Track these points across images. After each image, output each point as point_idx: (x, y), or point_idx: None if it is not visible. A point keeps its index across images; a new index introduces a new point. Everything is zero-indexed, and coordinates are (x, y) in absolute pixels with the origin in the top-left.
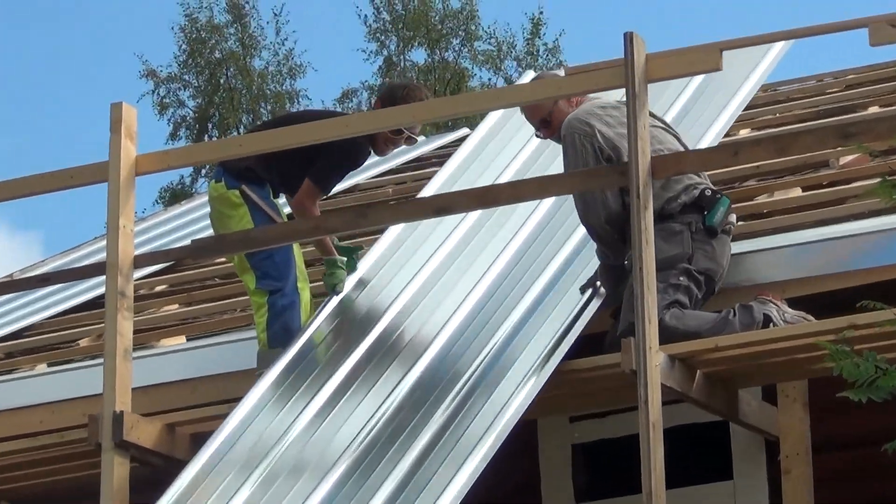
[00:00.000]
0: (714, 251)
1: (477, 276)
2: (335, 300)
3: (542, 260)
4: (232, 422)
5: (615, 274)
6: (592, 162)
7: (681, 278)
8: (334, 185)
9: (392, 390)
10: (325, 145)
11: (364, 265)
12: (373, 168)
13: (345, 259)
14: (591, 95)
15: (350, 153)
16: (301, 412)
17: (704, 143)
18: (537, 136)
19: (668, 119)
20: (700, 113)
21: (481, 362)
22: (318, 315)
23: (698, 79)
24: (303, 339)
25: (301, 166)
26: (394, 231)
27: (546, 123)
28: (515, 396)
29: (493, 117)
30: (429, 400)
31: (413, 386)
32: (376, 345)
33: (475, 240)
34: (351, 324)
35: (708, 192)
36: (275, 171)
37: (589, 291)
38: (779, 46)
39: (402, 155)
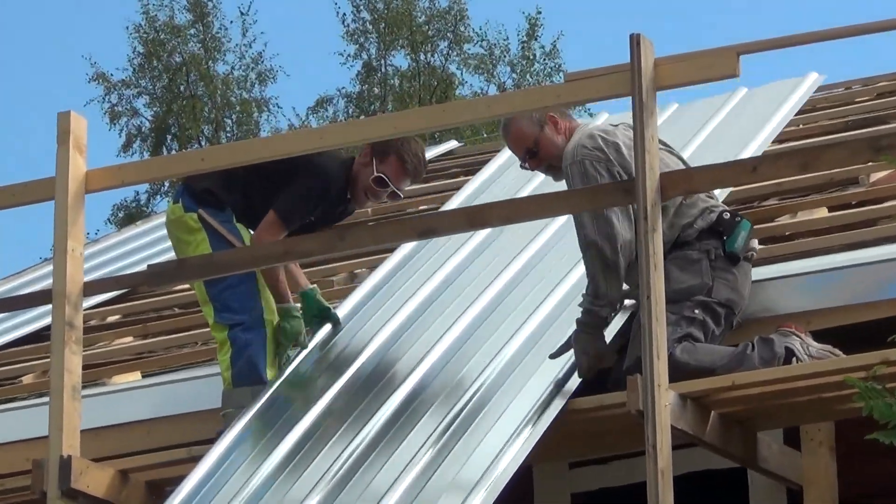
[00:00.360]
0: (736, 280)
1: (465, 306)
2: (303, 352)
3: (542, 288)
4: (195, 475)
5: (592, 341)
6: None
7: (696, 311)
8: (299, 222)
9: (360, 430)
10: (297, 174)
11: (348, 304)
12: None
13: (297, 308)
14: (579, 122)
15: (323, 188)
16: (265, 463)
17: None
18: (523, 167)
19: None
20: (721, 146)
21: (466, 403)
22: (293, 360)
23: (718, 117)
24: (276, 385)
25: (266, 194)
26: (386, 266)
27: (532, 153)
28: (510, 445)
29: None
30: (401, 443)
31: (385, 426)
32: (350, 385)
33: (470, 268)
34: (325, 365)
35: (727, 216)
36: (237, 195)
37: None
38: (811, 80)
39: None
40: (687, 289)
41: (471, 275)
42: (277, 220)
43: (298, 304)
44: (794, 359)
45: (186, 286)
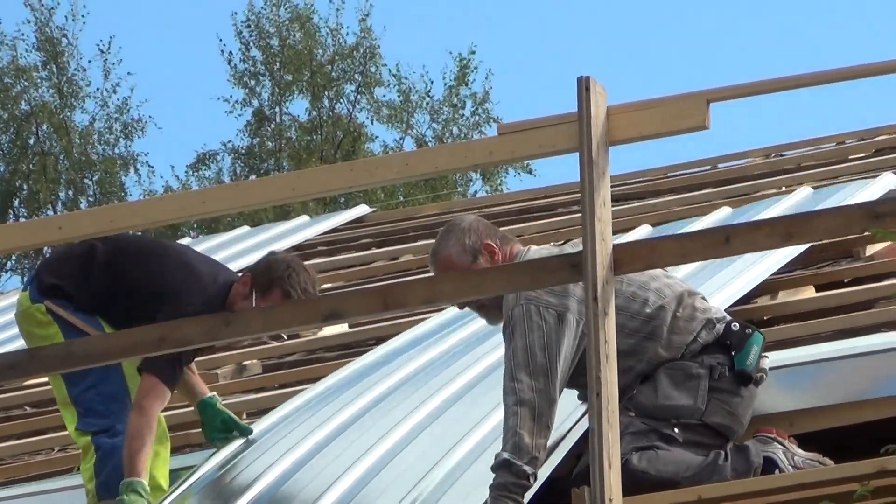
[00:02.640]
0: (739, 405)
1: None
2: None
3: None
4: None
5: None
6: (569, 342)
7: (675, 430)
8: (181, 372)
9: None
10: (163, 306)
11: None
12: (240, 258)
13: (143, 486)
14: (520, 247)
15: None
16: None
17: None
18: (451, 304)
19: None
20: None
21: None
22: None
23: None
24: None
25: (127, 315)
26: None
27: None
28: None
29: None
30: None
31: None
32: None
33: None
34: (223, 488)
35: (736, 327)
36: (84, 293)
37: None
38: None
39: (279, 240)
40: (674, 408)
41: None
42: (157, 381)
43: (143, 483)
44: (775, 471)
45: (41, 380)
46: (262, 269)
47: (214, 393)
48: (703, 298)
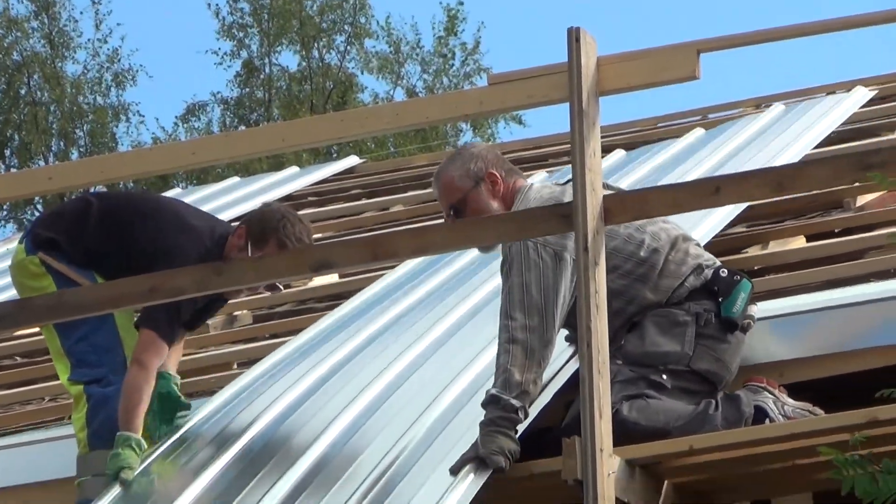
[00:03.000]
0: (726, 351)
1: (385, 364)
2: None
3: (475, 346)
4: None
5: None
6: (566, 282)
7: (663, 376)
8: (177, 330)
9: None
10: (157, 262)
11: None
12: (230, 209)
13: (142, 442)
14: (523, 183)
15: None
16: None
17: None
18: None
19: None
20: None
21: (388, 465)
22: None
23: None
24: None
25: (122, 271)
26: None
27: (458, 212)
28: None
29: None
30: None
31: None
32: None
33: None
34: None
35: (724, 273)
36: (79, 248)
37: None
38: (857, 96)
39: (269, 191)
40: (661, 354)
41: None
42: (155, 336)
43: (140, 438)
44: (766, 419)
45: (32, 330)
46: (257, 220)
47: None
48: (698, 245)
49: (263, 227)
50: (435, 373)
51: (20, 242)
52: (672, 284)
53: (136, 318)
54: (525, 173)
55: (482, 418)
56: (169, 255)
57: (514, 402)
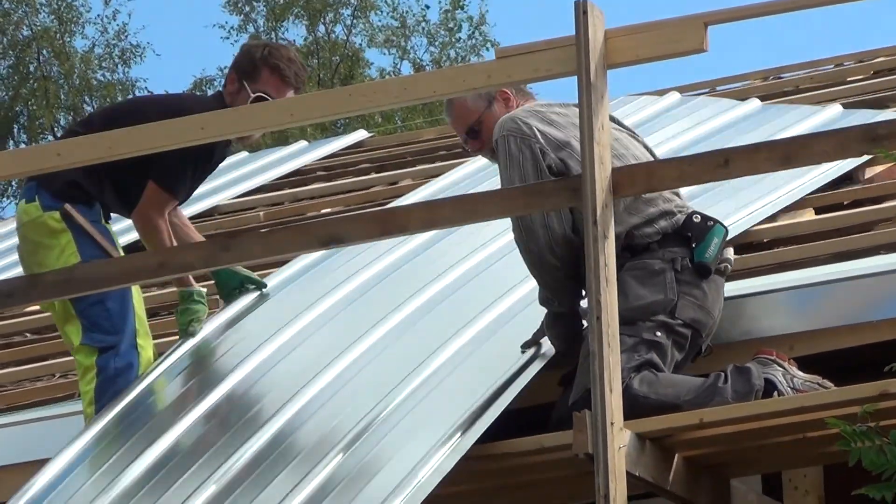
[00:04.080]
0: (705, 297)
1: (378, 318)
2: (186, 345)
3: (473, 306)
4: (32, 490)
5: (567, 325)
6: (533, 175)
7: (657, 333)
8: (188, 189)
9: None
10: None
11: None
12: (238, 184)
13: (203, 292)
14: (533, 101)
15: (204, 145)
16: (117, 480)
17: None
18: (465, 149)
19: None
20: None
21: (367, 426)
22: (161, 362)
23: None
24: (135, 392)
25: (140, 172)
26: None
27: (475, 133)
28: (412, 477)
29: None
30: (278, 475)
31: (257, 454)
32: (223, 401)
33: (393, 276)
34: (199, 373)
35: (697, 219)
36: (107, 184)
37: (532, 350)
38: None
39: (277, 166)
40: (647, 306)
41: (396, 280)
42: (161, 191)
43: (200, 289)
44: (775, 392)
45: (39, 307)
46: (242, 58)
47: None
48: (675, 193)
49: (252, 60)
50: (423, 337)
51: (28, 201)
52: (634, 222)
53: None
54: None
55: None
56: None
57: (559, 308)
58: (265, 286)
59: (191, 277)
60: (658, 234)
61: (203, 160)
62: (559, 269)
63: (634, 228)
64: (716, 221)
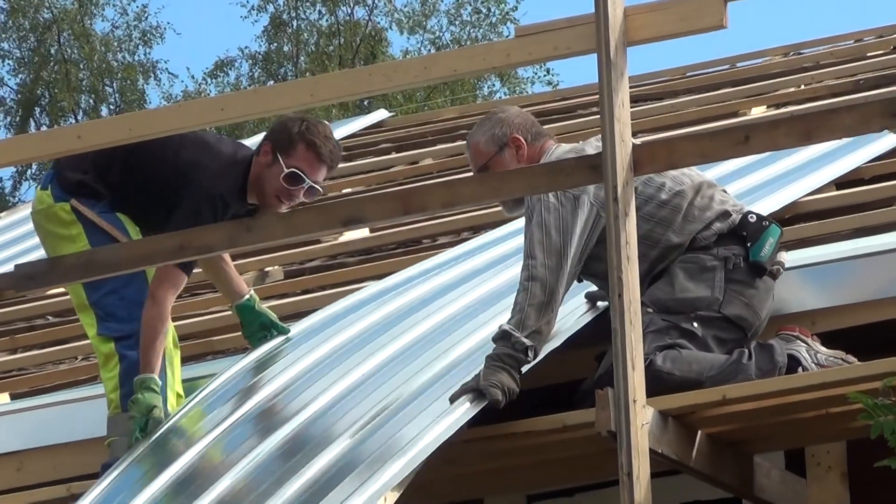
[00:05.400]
0: (755, 296)
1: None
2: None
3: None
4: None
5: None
6: (582, 224)
7: (694, 324)
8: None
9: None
10: (182, 186)
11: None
12: None
13: (156, 381)
14: (551, 143)
15: (216, 205)
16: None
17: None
18: None
19: None
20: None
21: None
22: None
23: None
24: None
25: (150, 201)
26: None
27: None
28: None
29: None
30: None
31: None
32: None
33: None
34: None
35: (753, 218)
36: (116, 192)
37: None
38: None
39: None
40: (692, 300)
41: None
42: (172, 267)
43: (156, 379)
44: (799, 368)
45: (62, 290)
46: (279, 131)
47: (251, 292)
48: (724, 191)
49: (288, 134)
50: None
51: (44, 188)
52: (696, 228)
53: None
54: (554, 124)
55: (491, 352)
56: (194, 177)
57: (525, 340)
58: (288, 332)
59: (158, 361)
60: (714, 235)
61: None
62: (559, 304)
63: (698, 234)
64: (771, 221)
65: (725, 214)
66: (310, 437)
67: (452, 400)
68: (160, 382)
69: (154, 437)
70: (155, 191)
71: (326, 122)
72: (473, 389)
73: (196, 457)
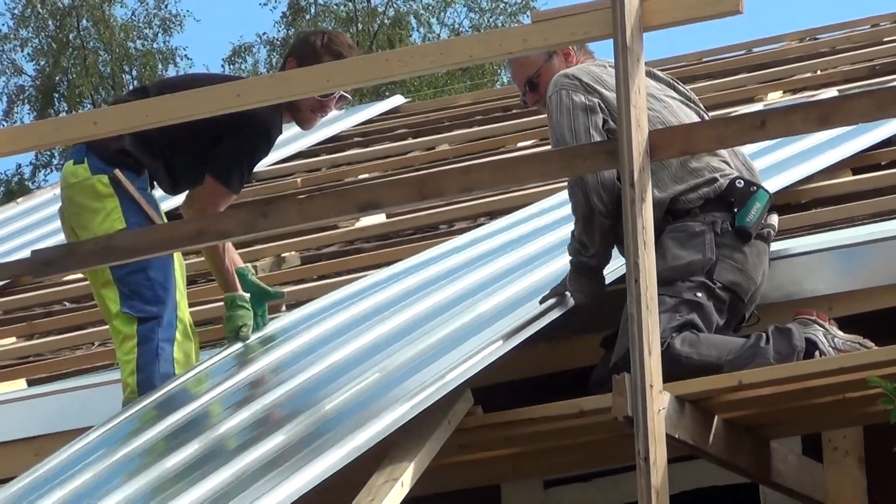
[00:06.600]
0: (745, 261)
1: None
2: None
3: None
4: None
5: (592, 279)
6: (583, 123)
7: (698, 294)
8: (245, 181)
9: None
10: (227, 124)
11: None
12: (278, 149)
13: (247, 296)
14: (593, 60)
15: (265, 134)
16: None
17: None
18: (523, 102)
19: None
20: None
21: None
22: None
23: None
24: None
25: (196, 156)
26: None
27: (533, 85)
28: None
29: None
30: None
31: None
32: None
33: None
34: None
35: (741, 184)
36: (159, 158)
37: (551, 301)
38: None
39: (315, 131)
40: (686, 266)
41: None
42: (220, 186)
43: (245, 294)
44: (816, 352)
45: (79, 275)
46: (301, 46)
47: (248, 265)
48: (724, 161)
49: (312, 47)
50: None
51: (76, 162)
52: (679, 188)
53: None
54: None
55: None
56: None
57: (590, 261)
58: (281, 296)
59: (235, 279)
60: (700, 200)
61: (261, 153)
62: (603, 214)
63: (679, 195)
64: (759, 187)
65: (713, 180)
66: (327, 380)
67: (542, 301)
68: (246, 296)
69: (154, 397)
70: (199, 137)
71: (348, 37)
72: (560, 293)
73: (196, 411)
